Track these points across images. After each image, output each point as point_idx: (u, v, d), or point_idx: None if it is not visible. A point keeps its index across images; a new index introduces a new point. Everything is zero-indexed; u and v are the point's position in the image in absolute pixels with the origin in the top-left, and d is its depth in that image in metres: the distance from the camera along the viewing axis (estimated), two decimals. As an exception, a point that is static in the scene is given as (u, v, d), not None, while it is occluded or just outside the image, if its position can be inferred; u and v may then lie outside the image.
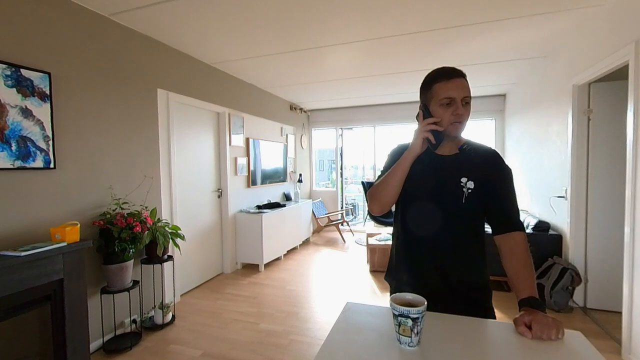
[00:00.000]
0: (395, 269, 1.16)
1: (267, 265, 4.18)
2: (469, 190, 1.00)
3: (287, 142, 5.41)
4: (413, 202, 1.09)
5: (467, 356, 0.75)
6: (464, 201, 1.00)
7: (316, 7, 2.28)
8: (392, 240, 1.20)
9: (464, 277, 1.05)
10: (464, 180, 1.01)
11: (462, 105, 0.98)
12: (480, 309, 1.03)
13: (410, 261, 1.11)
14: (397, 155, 1.10)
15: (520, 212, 4.06)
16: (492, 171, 1.02)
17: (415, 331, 0.77)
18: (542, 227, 3.11)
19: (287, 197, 5.34)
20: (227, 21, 2.48)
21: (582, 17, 2.48)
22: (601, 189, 2.70)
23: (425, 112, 1.03)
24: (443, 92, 0.98)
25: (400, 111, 5.75)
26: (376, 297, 3.23)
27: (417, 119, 1.07)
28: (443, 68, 1.02)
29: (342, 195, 6.57)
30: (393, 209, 1.18)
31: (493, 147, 1.09)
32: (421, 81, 1.07)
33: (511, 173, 1.05)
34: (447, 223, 1.03)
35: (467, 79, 1.01)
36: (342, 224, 5.87)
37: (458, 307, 0.99)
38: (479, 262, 1.07)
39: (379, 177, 1.13)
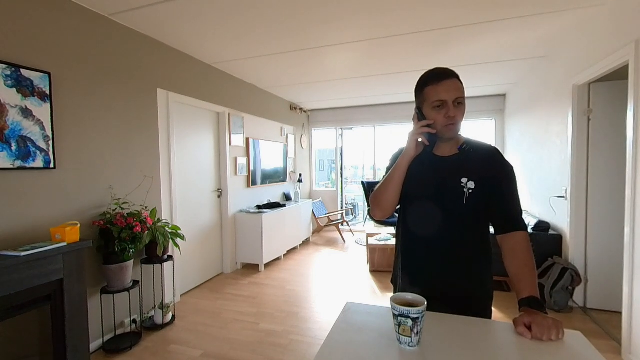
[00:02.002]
0: (399, 270, 1.16)
1: (267, 265, 4.17)
2: (470, 191, 1.00)
3: (287, 142, 5.41)
4: (414, 204, 1.09)
5: (467, 356, 0.75)
6: (465, 202, 1.00)
7: (316, 8, 2.28)
8: (396, 242, 1.20)
9: (465, 281, 1.04)
10: (464, 180, 1.01)
11: (454, 106, 0.98)
12: (478, 314, 1.01)
13: (412, 263, 1.11)
14: (398, 158, 1.10)
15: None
16: (493, 170, 1.02)
17: (415, 331, 0.77)
18: (542, 227, 3.11)
19: (287, 197, 5.34)
20: (227, 21, 2.48)
21: (582, 17, 2.47)
22: (601, 189, 2.70)
23: (419, 114, 1.04)
24: (434, 95, 0.98)
25: (400, 111, 5.75)
26: (376, 297, 3.23)
27: (413, 121, 1.08)
28: (434, 70, 1.01)
29: (342, 195, 6.57)
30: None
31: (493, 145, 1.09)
32: None
33: (513, 170, 1.04)
34: (448, 224, 1.03)
35: (460, 78, 1.01)
36: (342, 224, 5.87)
37: (456, 309, 0.98)
38: (482, 264, 1.06)
39: (381, 181, 1.14)
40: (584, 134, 2.74)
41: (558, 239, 3.01)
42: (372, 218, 5.33)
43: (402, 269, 1.14)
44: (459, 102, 0.99)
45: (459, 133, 1.06)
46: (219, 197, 3.86)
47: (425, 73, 1.04)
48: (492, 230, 1.06)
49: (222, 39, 2.84)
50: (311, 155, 6.55)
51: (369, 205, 1.21)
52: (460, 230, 1.03)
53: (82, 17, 2.20)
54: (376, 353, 0.77)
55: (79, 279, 1.91)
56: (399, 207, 1.15)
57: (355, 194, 8.41)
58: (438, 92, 0.97)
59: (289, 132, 5.50)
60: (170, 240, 2.58)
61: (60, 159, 2.06)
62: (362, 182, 5.71)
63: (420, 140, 1.02)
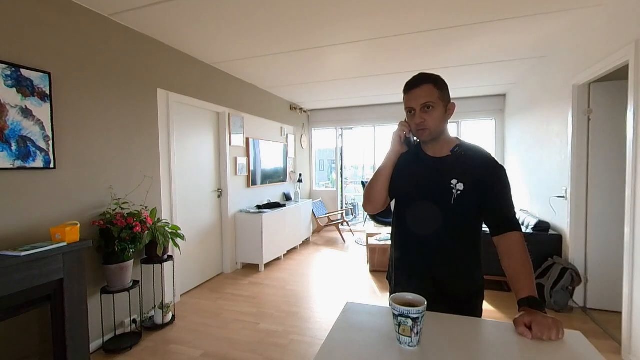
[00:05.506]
0: (392, 267, 1.19)
1: (267, 265, 4.17)
2: (459, 192, 1.02)
3: (287, 142, 5.40)
4: (405, 203, 1.13)
5: (467, 356, 0.75)
6: (452, 202, 1.02)
7: (317, 8, 2.28)
8: (391, 239, 1.23)
9: (453, 279, 1.06)
10: (454, 182, 1.03)
11: (423, 111, 1.03)
12: (469, 311, 1.03)
13: (403, 262, 1.14)
14: None
15: (520, 212, 4.02)
16: (485, 173, 1.04)
17: (415, 331, 0.77)
18: (542, 227, 3.11)
19: (287, 197, 5.34)
20: (228, 21, 2.48)
21: (581, 17, 2.47)
22: (601, 189, 2.70)
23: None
24: (406, 102, 1.08)
25: (400, 111, 5.67)
26: (376, 297, 3.23)
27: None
28: (410, 79, 1.07)
29: (342, 195, 6.57)
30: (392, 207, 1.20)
31: (488, 149, 1.13)
32: None
33: (505, 173, 1.06)
34: (436, 224, 1.05)
35: (437, 82, 1.04)
36: (342, 224, 5.87)
37: (446, 309, 0.98)
38: (471, 264, 1.08)
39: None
40: (584, 134, 2.74)
41: (558, 239, 3.01)
42: (370, 215, 5.34)
43: (395, 265, 1.16)
44: (429, 106, 1.02)
45: (454, 136, 1.11)
46: (219, 197, 3.86)
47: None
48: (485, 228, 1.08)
49: (222, 39, 2.84)
50: (311, 155, 6.55)
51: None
52: (448, 229, 1.05)
53: (82, 17, 2.20)
54: (376, 353, 0.77)
55: (79, 279, 1.91)
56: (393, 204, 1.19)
57: (355, 194, 8.41)
58: (408, 100, 1.06)
59: (289, 132, 5.50)
60: (170, 240, 2.58)
61: (60, 159, 2.06)
62: (362, 182, 5.72)
63: (401, 138, 1.10)
